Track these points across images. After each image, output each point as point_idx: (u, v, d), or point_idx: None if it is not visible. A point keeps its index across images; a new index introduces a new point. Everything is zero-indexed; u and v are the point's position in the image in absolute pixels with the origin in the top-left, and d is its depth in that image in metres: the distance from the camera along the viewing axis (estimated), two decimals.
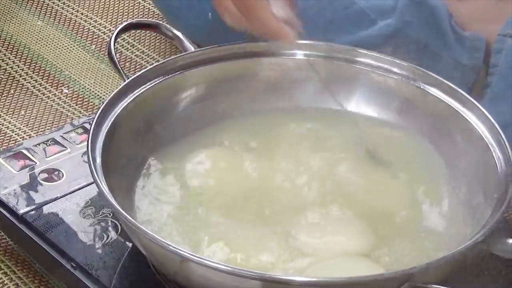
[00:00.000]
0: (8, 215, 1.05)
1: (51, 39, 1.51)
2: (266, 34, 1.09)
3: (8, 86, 1.42)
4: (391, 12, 1.24)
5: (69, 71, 1.44)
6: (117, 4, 1.62)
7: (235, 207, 1.03)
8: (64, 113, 1.35)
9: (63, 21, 1.57)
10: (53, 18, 1.56)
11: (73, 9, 1.58)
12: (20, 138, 1.29)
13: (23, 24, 1.53)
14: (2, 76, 1.42)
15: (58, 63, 1.46)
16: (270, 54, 1.13)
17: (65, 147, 1.14)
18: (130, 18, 1.56)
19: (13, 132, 1.31)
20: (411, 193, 1.05)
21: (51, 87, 1.41)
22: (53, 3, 1.59)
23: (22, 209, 1.05)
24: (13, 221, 1.05)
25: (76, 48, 1.50)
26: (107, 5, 1.61)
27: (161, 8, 1.42)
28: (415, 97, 1.10)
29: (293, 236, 0.99)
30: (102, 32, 1.53)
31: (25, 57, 1.46)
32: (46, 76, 1.44)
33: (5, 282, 1.07)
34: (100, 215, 1.06)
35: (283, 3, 1.03)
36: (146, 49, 1.49)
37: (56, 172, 1.10)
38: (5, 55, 1.45)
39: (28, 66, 1.45)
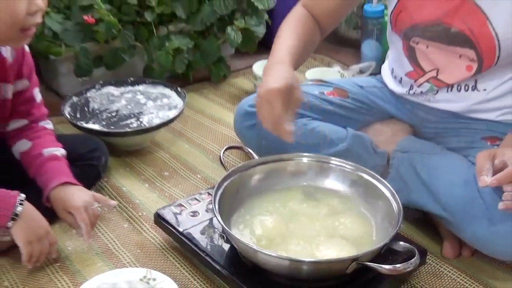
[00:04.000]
0: (175, 231, 1.07)
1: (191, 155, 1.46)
2: None
3: (174, 173, 1.37)
4: (344, 140, 1.19)
5: (200, 168, 1.39)
6: (221, 135, 1.54)
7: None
8: (198, 186, 1.32)
9: (197, 146, 1.50)
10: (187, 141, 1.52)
11: (198, 138, 1.53)
12: (179, 197, 1.27)
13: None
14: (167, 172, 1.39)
15: (197, 166, 1.39)
16: (291, 159, 1.11)
17: (200, 201, 1.14)
18: (228, 142, 1.47)
19: (176, 195, 1.30)
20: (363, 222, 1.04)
21: (192, 174, 1.37)
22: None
23: (181, 228, 1.07)
24: (178, 234, 1.07)
25: (203, 157, 1.44)
26: (216, 135, 1.54)
27: (241, 138, 1.30)
28: (356, 179, 1.08)
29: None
30: (214, 149, 1.47)
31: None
32: (191, 170, 1.39)
33: (175, 265, 1.09)
34: (216, 232, 1.07)
35: None
36: (235, 157, 1.42)
37: (195, 212, 1.11)
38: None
39: (182, 165, 1.40)
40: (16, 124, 1.13)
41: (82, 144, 1.24)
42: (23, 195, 0.99)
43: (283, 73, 0.99)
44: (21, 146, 1.12)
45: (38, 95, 1.16)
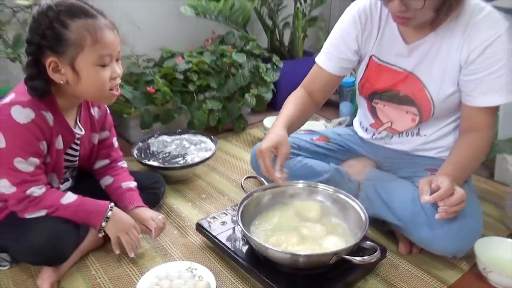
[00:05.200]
0: (210, 236, 1.08)
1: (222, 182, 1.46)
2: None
3: (209, 196, 1.37)
4: (327, 171, 1.18)
5: (227, 192, 1.39)
6: (242, 169, 1.53)
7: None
8: (225, 204, 1.31)
9: (225, 176, 1.50)
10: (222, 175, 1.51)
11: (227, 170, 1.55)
12: (212, 212, 1.26)
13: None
14: (205, 189, 1.41)
15: (225, 190, 1.40)
16: (290, 185, 1.10)
17: (227, 214, 1.15)
18: (246, 174, 1.46)
19: (210, 210, 1.29)
20: (341, 228, 1.03)
21: (221, 196, 1.36)
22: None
23: (215, 233, 1.09)
24: (212, 238, 1.08)
25: (229, 184, 1.43)
26: (238, 169, 1.52)
27: (255, 171, 1.24)
28: (336, 198, 1.07)
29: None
30: (237, 179, 1.45)
31: (214, 190, 1.42)
32: (221, 193, 1.38)
33: (210, 259, 1.09)
34: (238, 235, 1.07)
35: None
36: (251, 184, 1.39)
37: (224, 222, 1.12)
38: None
39: (214, 190, 1.40)
40: (100, 163, 1.18)
41: (148, 178, 1.26)
42: (112, 203, 1.04)
43: (272, 136, 0.99)
44: (106, 181, 1.17)
45: (115, 143, 1.21)
